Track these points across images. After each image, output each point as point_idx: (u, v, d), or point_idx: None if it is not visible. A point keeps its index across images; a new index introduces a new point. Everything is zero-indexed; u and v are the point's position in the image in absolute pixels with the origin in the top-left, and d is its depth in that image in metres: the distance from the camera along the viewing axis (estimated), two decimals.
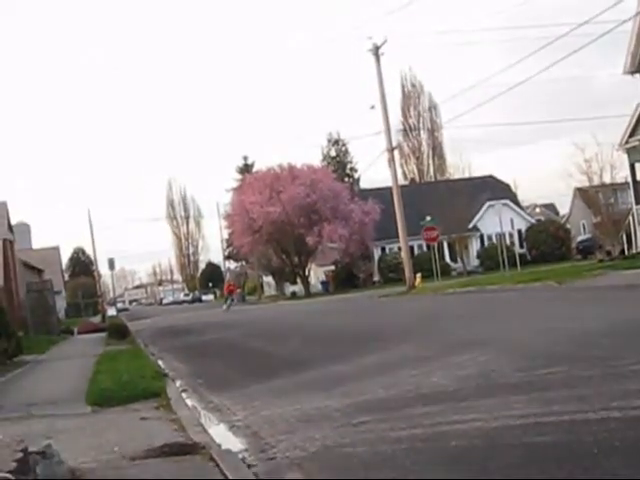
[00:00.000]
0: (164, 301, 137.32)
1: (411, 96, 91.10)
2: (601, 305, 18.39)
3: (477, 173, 71.99)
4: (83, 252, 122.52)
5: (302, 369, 12.59)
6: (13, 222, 43.76)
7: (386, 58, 44.83)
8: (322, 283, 71.02)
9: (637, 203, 37.25)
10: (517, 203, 70.03)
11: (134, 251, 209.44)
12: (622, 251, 43.07)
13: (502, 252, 44.52)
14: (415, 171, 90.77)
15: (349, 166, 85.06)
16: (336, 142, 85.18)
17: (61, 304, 68.85)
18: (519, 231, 65.96)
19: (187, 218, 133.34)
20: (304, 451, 6.84)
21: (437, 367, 10.48)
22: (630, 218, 39.94)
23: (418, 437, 6.71)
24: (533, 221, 70.70)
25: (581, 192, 63.93)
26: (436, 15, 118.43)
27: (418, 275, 45.05)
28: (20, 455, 6.02)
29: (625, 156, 38.75)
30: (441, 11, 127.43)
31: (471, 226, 65.79)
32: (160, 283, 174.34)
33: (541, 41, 54.33)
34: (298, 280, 71.05)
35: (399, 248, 52.14)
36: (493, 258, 54.00)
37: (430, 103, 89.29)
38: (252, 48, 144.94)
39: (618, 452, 5.47)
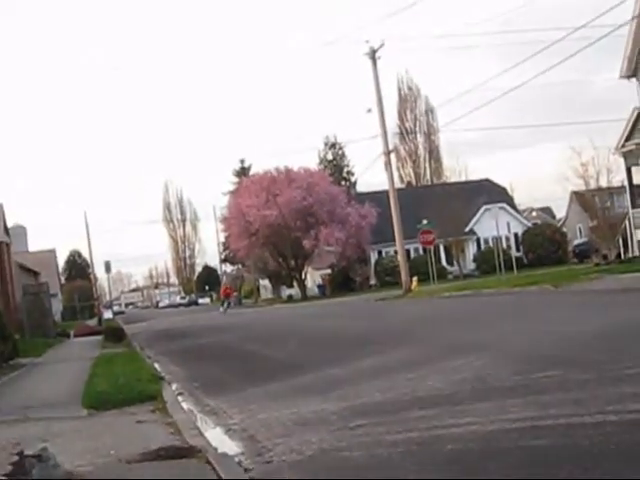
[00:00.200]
0: (160, 304, 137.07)
1: (408, 99, 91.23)
2: (597, 309, 18.40)
3: (474, 176, 72.07)
4: (79, 255, 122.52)
5: (299, 372, 12.58)
6: (9, 225, 43.65)
7: (383, 61, 45.10)
8: (318, 286, 70.99)
9: (633, 207, 37.30)
10: (514, 207, 70.09)
11: (130, 254, 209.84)
12: (618, 255, 43.09)
13: (498, 256, 44.53)
14: (412, 174, 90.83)
15: (346, 169, 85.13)
16: (333, 145, 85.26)
17: (57, 307, 68.83)
18: (515, 235, 65.96)
19: (184, 221, 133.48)
20: (301, 454, 6.84)
21: (433, 371, 10.48)
22: (626, 222, 39.99)
23: (414, 440, 6.71)
24: (529, 225, 70.78)
25: (577, 196, 63.93)
26: (433, 19, 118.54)
27: (414, 278, 45.06)
28: (16, 458, 6.03)
29: (621, 160, 38.80)
30: (438, 15, 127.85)
31: (467, 229, 65.80)
32: (156, 286, 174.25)
33: (538, 45, 54.52)
34: (295, 283, 71.05)
35: (395, 251, 52.11)
36: (489, 262, 54.04)
37: (427, 106, 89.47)
38: (249, 51, 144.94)
39: (614, 455, 5.48)
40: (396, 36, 55.50)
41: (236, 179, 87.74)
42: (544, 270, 46.35)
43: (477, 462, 5.80)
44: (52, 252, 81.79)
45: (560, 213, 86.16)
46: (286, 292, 74.79)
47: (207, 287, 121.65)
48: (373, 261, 67.67)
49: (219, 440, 8.14)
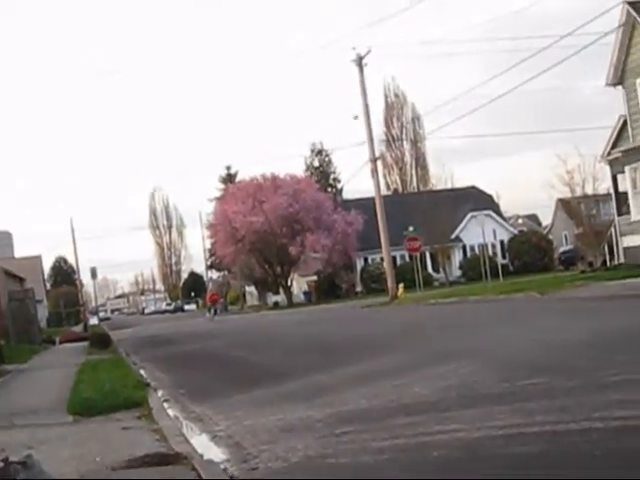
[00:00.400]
0: (146, 310, 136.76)
1: (394, 107, 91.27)
2: (583, 316, 18.45)
3: (460, 184, 72.12)
4: (65, 261, 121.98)
5: (285, 379, 12.57)
6: None
7: (369, 68, 45.07)
8: (304, 293, 70.93)
9: (619, 214, 37.45)
10: (500, 214, 70.23)
11: (116, 260, 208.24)
12: (604, 262, 43.18)
13: (484, 263, 44.57)
14: (398, 181, 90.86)
15: (332, 176, 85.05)
16: (319, 152, 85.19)
17: (43, 313, 68.59)
18: (502, 242, 66.05)
19: (170, 227, 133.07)
20: (286, 461, 6.83)
21: (419, 378, 10.49)
22: (612, 229, 40.12)
23: (400, 447, 6.71)
24: (516, 232, 70.91)
25: (563, 203, 64.04)
26: (420, 26, 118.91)
27: (400, 285, 45.10)
28: (1, 465, 5.99)
29: (607, 168, 39.01)
30: (424, 22, 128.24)
31: (454, 237, 65.88)
32: (142, 292, 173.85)
33: (524, 53, 54.75)
34: (281, 290, 70.98)
35: (382, 258, 52.15)
36: (475, 269, 54.09)
37: (413, 114, 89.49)
38: (236, 59, 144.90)
39: (600, 462, 5.50)
40: (383, 43, 55.79)
41: (222, 186, 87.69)
42: (530, 277, 46.43)
43: (463, 469, 5.81)
44: (38, 258, 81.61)
45: (546, 220, 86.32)
46: (272, 299, 74.70)
47: (193, 294, 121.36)
48: (359, 268, 67.67)
49: (205, 447, 8.12)
